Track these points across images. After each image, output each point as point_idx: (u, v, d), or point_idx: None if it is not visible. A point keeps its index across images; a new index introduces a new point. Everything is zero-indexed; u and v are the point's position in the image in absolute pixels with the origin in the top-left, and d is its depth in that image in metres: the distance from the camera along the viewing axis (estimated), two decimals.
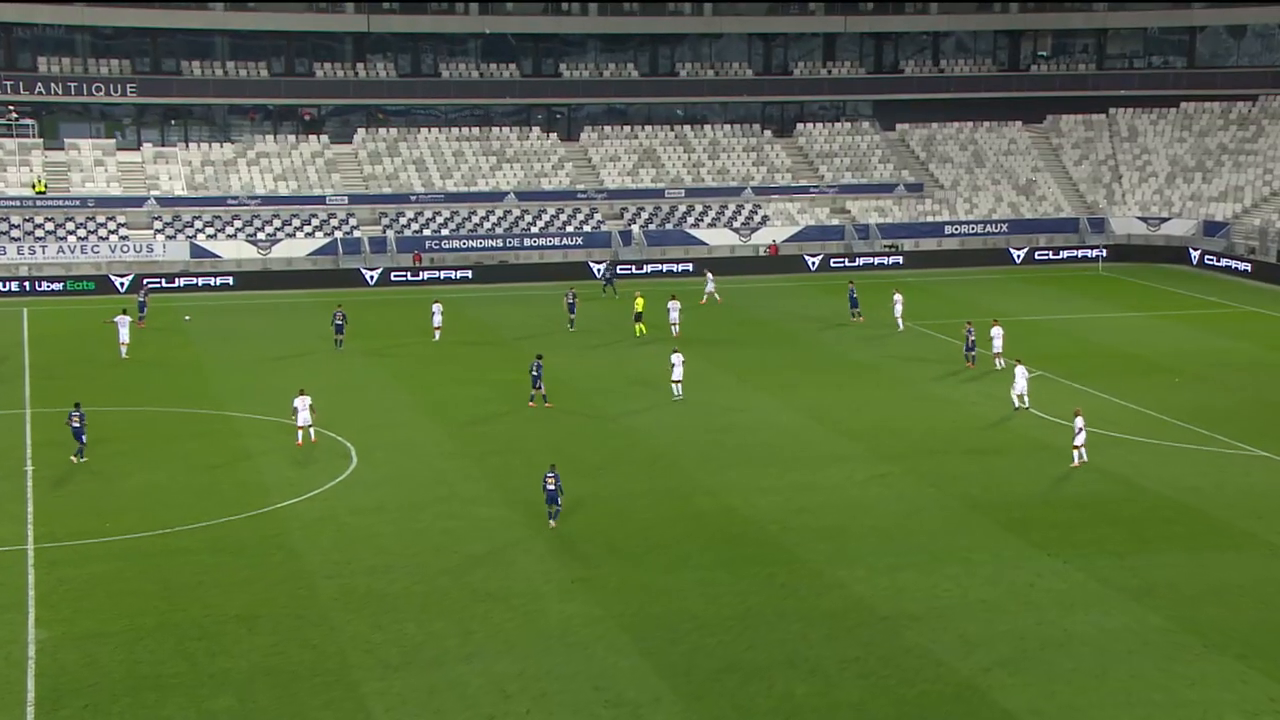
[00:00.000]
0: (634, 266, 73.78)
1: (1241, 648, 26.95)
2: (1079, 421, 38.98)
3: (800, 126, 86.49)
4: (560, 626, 28.35)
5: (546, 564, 31.39)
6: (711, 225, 78.09)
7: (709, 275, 65.00)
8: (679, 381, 45.36)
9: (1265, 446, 40.39)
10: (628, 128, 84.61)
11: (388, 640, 27.69)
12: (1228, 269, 72.94)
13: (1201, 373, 50.27)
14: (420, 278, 70.56)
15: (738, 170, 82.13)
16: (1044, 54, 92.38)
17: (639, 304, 56.31)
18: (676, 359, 45.64)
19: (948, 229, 79.36)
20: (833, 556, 31.80)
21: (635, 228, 76.99)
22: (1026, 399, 44.53)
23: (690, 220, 78.38)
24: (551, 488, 33.09)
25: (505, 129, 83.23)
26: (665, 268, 74.16)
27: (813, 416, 44.25)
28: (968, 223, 79.74)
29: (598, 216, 77.83)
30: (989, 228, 79.61)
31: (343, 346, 53.04)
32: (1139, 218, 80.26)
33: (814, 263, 75.41)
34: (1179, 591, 29.56)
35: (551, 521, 33.38)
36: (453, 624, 28.45)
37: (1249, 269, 71.62)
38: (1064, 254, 77.68)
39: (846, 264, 75.72)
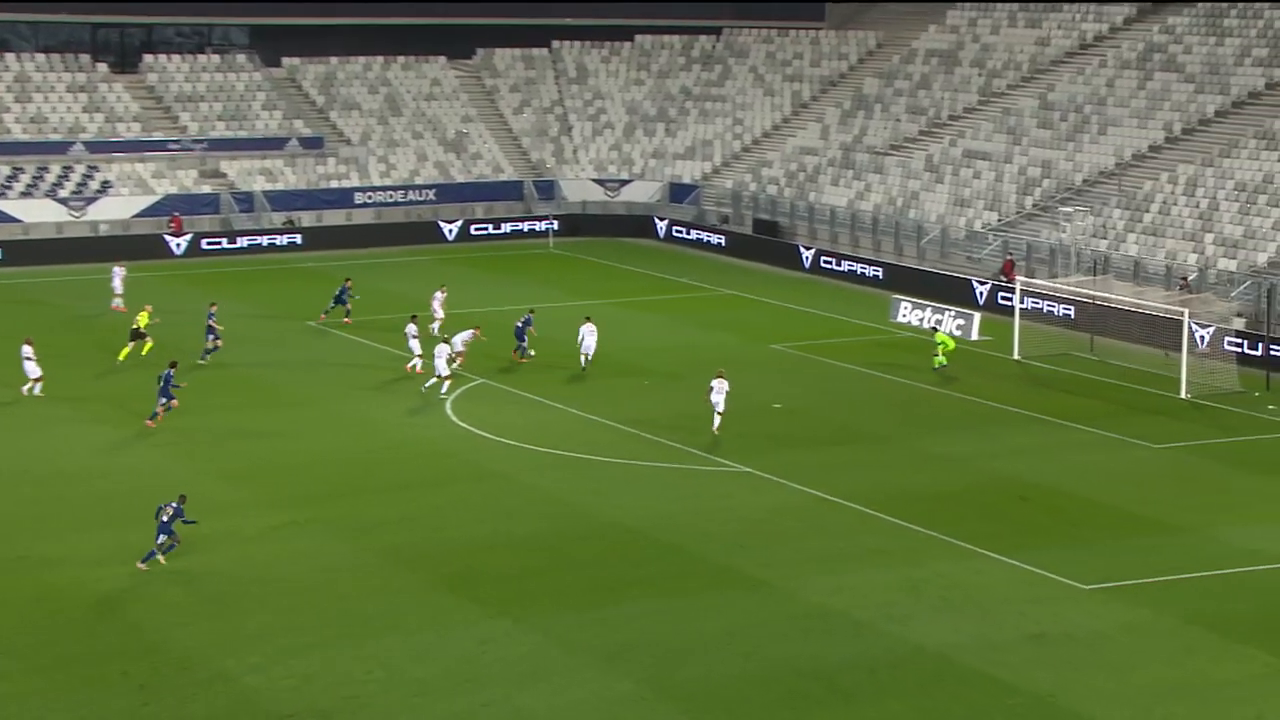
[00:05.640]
0: None
1: (723, 711, 29.27)
2: (722, 385, 45.26)
3: (149, 59, 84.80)
4: None
5: None
6: (26, 195, 74.96)
7: (118, 270, 62.05)
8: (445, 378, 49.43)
9: (748, 460, 44.03)
10: None
11: None
12: (699, 242, 78.97)
13: (675, 372, 54.04)
14: None
15: (61, 118, 79.29)
16: None
17: (142, 319, 53.93)
18: (441, 349, 50.03)
19: (359, 197, 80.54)
20: (214, 640, 31.49)
21: None
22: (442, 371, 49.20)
23: None
24: (166, 519, 34.96)
25: None
26: None
27: (176, 453, 43.69)
28: (384, 189, 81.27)
29: None
30: (412, 195, 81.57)
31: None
32: (595, 180, 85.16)
33: (181, 245, 74.18)
34: (654, 649, 31.60)
35: (159, 557, 35.16)
36: None
37: (723, 242, 77.93)
38: (507, 227, 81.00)
39: (225, 245, 75.14)
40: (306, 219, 78.46)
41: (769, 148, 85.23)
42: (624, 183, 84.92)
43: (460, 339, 52.30)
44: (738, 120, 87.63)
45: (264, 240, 75.88)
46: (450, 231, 79.46)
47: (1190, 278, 59.99)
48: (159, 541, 35.25)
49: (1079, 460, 44.59)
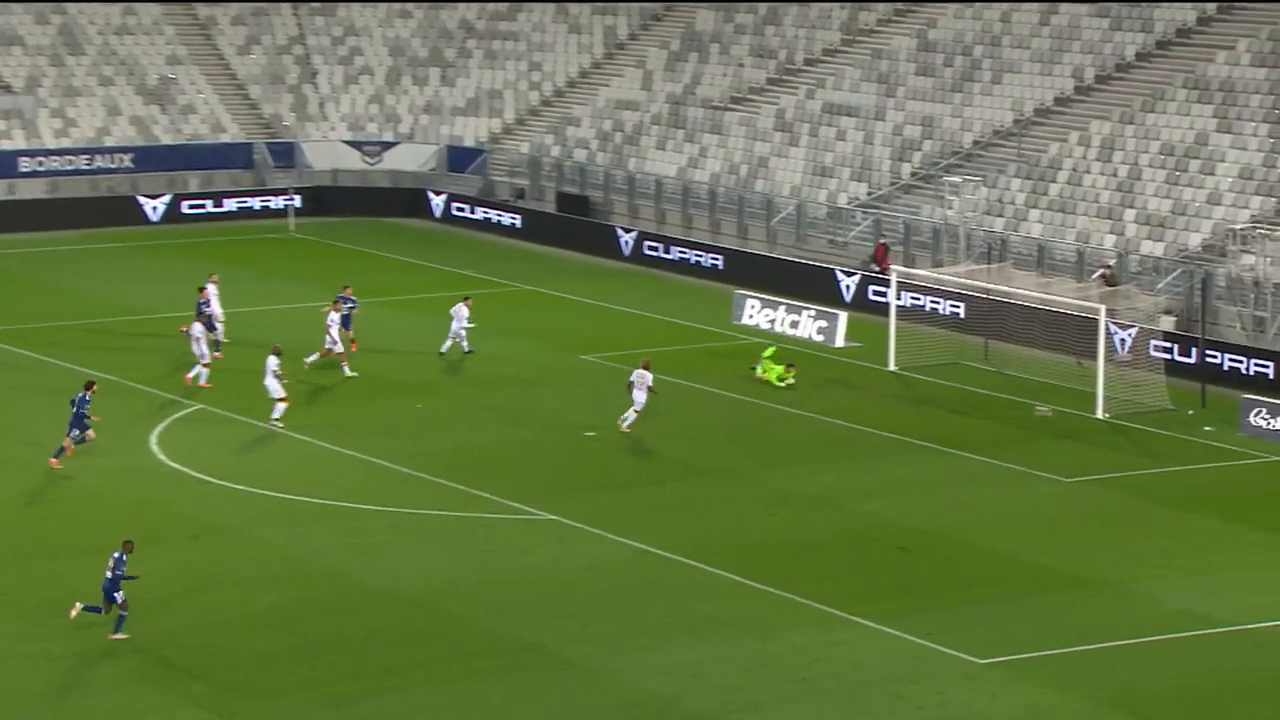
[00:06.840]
0: None
1: None
2: (644, 378, 49.07)
3: None
4: None
5: None
6: None
7: None
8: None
9: (553, 505, 44.19)
10: None
11: None
12: (487, 223, 79.08)
13: (456, 392, 54.18)
14: None
15: None
16: None
17: None
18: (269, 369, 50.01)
19: (24, 164, 79.55)
20: None
21: None
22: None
23: None
24: (110, 576, 35.48)
25: None
26: None
27: None
28: (60, 153, 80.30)
29: None
30: (100, 161, 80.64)
31: None
32: (349, 143, 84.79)
33: None
34: None
35: (116, 634, 35.52)
36: None
37: (518, 223, 78.16)
38: (232, 204, 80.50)
39: None
40: None
41: (576, 101, 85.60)
42: (387, 146, 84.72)
43: (333, 321, 54.20)
44: (535, 65, 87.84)
45: None
46: (154, 210, 78.76)
47: (1109, 264, 61.28)
48: (117, 601, 35.60)
49: (971, 498, 45.54)
